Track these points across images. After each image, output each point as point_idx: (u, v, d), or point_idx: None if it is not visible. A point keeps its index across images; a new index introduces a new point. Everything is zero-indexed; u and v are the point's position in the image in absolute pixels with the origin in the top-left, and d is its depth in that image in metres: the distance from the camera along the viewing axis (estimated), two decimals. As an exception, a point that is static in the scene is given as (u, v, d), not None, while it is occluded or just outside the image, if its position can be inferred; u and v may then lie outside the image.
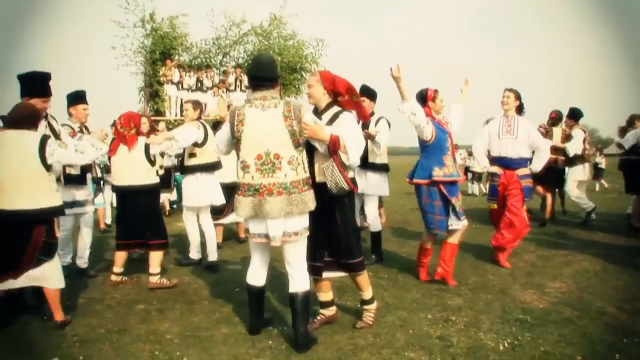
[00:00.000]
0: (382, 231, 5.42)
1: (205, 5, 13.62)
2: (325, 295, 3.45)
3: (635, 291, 4.06)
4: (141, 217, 4.51)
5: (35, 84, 4.00)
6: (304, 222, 3.00)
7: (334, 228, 3.15)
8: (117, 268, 4.69)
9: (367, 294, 3.42)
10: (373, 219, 5.18)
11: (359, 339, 3.18)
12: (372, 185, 5.13)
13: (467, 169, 13.47)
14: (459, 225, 4.28)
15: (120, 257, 4.67)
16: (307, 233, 3.06)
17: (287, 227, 2.94)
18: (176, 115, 12.24)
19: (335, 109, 3.16)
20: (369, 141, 4.76)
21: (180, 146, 4.99)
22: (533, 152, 5.11)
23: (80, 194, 4.82)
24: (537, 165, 5.04)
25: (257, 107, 2.91)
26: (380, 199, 5.63)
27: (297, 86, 12.78)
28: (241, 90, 12.54)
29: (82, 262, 4.97)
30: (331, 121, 3.09)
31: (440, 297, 4.01)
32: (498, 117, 5.11)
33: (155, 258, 4.55)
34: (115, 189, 4.70)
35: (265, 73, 2.98)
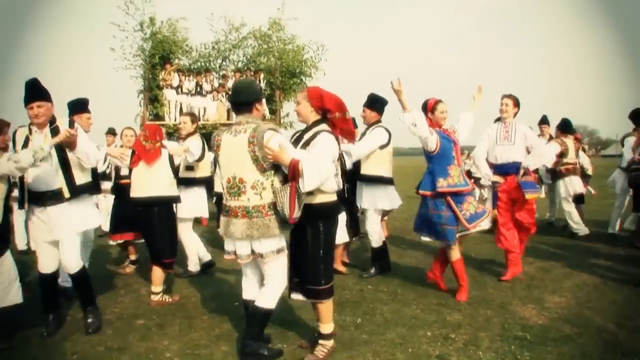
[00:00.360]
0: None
1: (204, 9, 13.58)
2: None
3: (635, 307, 4.07)
4: (163, 232, 4.45)
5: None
6: (272, 245, 2.97)
7: (303, 251, 3.09)
8: (156, 287, 4.47)
9: (326, 327, 3.23)
10: (372, 233, 5.12)
11: (358, 358, 3.18)
12: (363, 198, 5.09)
13: (468, 173, 13.40)
14: (466, 232, 4.28)
15: (158, 275, 4.46)
16: (280, 255, 3.03)
17: (255, 248, 3.00)
18: (175, 120, 12.21)
19: (318, 128, 3.05)
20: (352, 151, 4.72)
21: (194, 159, 5.06)
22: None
23: None
24: (530, 162, 4.95)
25: (231, 133, 3.01)
26: (386, 212, 5.49)
27: (296, 90, 12.75)
28: (240, 94, 12.51)
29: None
30: (308, 142, 3.01)
31: (439, 312, 4.01)
32: (496, 123, 5.12)
33: (160, 275, 4.48)
34: (135, 201, 4.48)
35: (242, 98, 3.04)
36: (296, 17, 13.48)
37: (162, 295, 4.46)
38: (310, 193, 2.94)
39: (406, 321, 3.83)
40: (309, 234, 3.04)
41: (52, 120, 3.63)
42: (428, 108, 4.32)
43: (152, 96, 12.19)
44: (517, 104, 4.98)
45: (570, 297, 4.36)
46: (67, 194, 3.60)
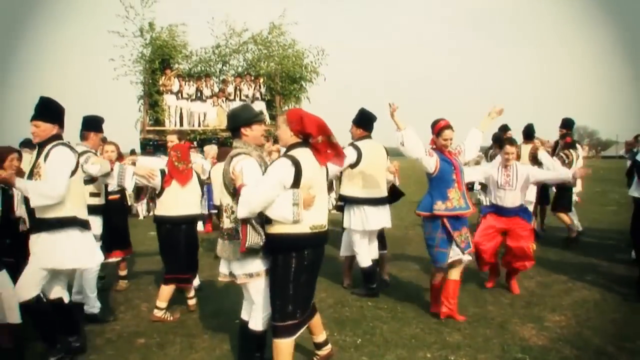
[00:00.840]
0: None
1: (205, 14, 13.58)
2: (318, 337, 3.40)
3: (634, 327, 4.07)
4: (188, 249, 4.55)
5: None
6: (244, 268, 2.99)
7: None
8: (162, 303, 4.44)
9: None
10: (357, 253, 5.03)
11: (359, 383, 3.19)
12: (344, 218, 5.05)
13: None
14: (460, 256, 4.26)
15: (167, 291, 4.46)
16: (256, 279, 3.01)
17: (231, 268, 3.10)
18: (175, 125, 12.24)
19: (291, 151, 2.96)
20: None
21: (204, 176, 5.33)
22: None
23: (96, 226, 4.58)
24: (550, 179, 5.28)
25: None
26: (381, 232, 5.34)
27: (297, 96, 12.79)
28: (240, 99, 12.51)
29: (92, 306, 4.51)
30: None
31: (439, 332, 4.02)
32: (496, 165, 5.08)
33: (169, 291, 4.49)
34: (166, 219, 4.48)
35: (229, 125, 3.19)
36: (297, 22, 13.53)
37: (165, 312, 4.46)
38: (269, 222, 2.86)
39: (406, 342, 3.83)
40: (271, 266, 2.99)
41: (50, 140, 3.45)
42: (435, 130, 4.25)
43: (152, 102, 12.21)
44: (518, 147, 5.10)
45: (570, 315, 4.37)
46: (27, 225, 3.58)
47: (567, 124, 7.48)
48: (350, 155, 4.76)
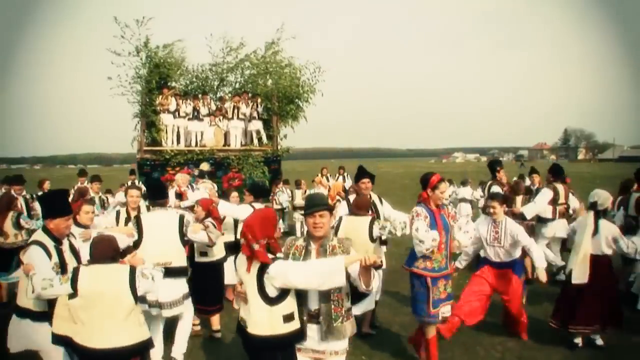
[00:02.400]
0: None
1: (203, 31, 13.57)
2: None
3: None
4: (216, 285, 5.60)
5: (55, 204, 3.77)
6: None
7: None
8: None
9: None
10: None
11: None
12: None
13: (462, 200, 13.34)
14: (439, 313, 4.30)
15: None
16: None
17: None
18: (173, 144, 12.24)
19: None
20: None
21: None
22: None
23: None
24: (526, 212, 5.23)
25: None
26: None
27: (294, 116, 12.80)
28: (238, 118, 12.51)
29: None
30: None
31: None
32: (487, 220, 5.15)
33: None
34: (201, 264, 5.45)
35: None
36: (294, 37, 13.51)
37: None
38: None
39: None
40: None
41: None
42: (430, 184, 4.26)
43: (149, 121, 12.19)
44: (504, 201, 5.17)
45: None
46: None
47: (556, 172, 7.47)
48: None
